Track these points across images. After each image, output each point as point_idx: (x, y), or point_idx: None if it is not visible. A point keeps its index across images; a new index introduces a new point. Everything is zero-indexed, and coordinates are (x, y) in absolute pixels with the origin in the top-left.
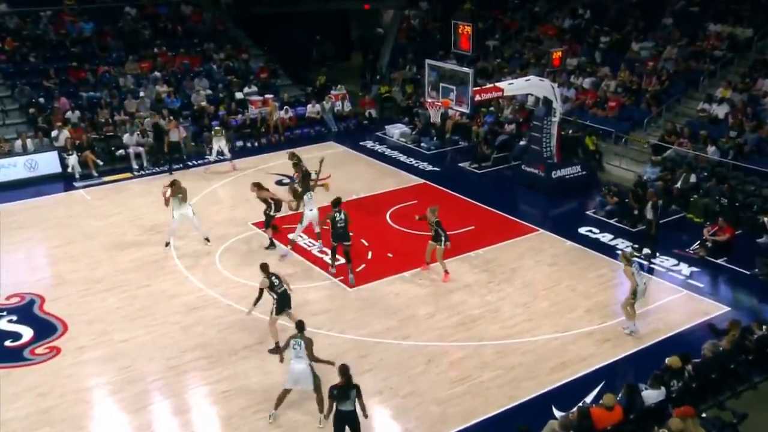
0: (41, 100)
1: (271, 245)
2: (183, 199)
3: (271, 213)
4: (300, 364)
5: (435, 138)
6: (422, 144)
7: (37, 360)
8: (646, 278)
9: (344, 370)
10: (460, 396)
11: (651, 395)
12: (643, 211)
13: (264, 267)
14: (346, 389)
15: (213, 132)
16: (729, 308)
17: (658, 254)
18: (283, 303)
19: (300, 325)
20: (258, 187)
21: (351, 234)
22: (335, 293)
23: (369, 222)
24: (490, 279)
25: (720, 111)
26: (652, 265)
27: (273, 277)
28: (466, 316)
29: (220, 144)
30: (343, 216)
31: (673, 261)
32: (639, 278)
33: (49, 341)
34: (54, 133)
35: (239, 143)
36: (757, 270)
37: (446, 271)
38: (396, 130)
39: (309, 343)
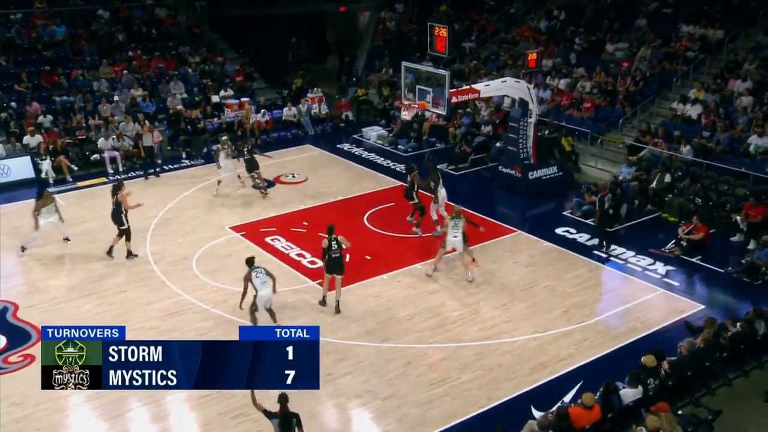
0: (13, 104)
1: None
2: (51, 207)
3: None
4: (267, 290)
5: (412, 140)
6: (399, 146)
7: (10, 368)
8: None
9: (282, 400)
10: (440, 398)
11: (628, 394)
12: (620, 210)
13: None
14: (287, 419)
15: (220, 143)
16: (704, 306)
17: (611, 245)
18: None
19: (251, 260)
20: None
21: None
22: (313, 296)
23: (346, 225)
24: (469, 280)
25: (693, 111)
26: (607, 257)
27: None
28: (446, 317)
29: (225, 162)
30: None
31: (649, 260)
32: (450, 231)
33: (23, 349)
34: (26, 139)
35: (215, 147)
36: (730, 268)
37: (473, 259)
38: (373, 133)
39: (267, 270)
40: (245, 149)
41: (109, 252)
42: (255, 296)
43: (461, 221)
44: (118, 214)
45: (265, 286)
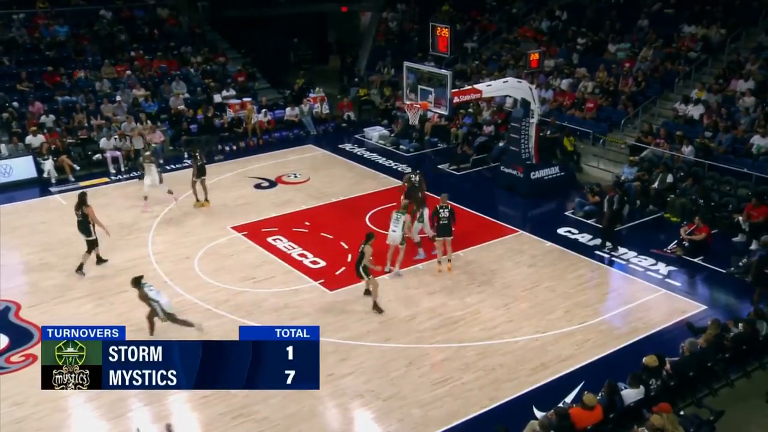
0: (15, 104)
1: None
2: None
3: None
4: (165, 296)
5: (414, 140)
6: (401, 146)
7: (12, 368)
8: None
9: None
10: (442, 398)
11: (630, 394)
12: (622, 211)
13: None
14: None
15: (142, 158)
16: (706, 306)
17: (618, 247)
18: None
19: (138, 279)
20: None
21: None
22: (315, 296)
23: (348, 225)
24: (470, 281)
25: (695, 112)
26: (614, 258)
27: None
28: (447, 317)
29: (152, 175)
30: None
31: (651, 260)
32: (391, 224)
33: (24, 349)
34: (29, 138)
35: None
36: (732, 268)
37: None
38: (375, 133)
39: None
40: (196, 154)
41: (98, 261)
42: (159, 306)
43: (402, 216)
44: (85, 225)
45: (161, 293)
